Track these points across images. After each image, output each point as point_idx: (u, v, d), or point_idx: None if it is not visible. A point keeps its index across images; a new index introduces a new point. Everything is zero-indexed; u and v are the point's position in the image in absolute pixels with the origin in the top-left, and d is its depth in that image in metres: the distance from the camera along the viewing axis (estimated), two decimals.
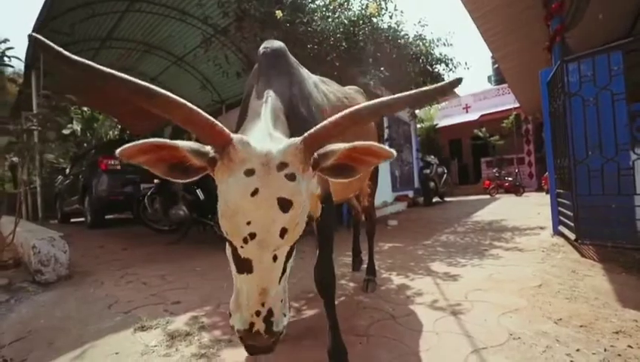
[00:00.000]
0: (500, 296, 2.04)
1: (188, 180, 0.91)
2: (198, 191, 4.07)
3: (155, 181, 4.69)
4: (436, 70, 6.29)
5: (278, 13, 3.82)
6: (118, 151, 0.79)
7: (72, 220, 8.70)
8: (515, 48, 6.16)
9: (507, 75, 7.78)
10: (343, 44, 4.40)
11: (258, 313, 0.81)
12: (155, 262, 3.37)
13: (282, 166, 0.81)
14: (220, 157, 0.82)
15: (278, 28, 4.17)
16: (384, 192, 7.76)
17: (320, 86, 1.71)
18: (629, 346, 1.42)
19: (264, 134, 0.96)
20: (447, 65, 6.12)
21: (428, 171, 9.17)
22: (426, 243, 3.88)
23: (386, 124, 7.90)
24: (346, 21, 4.18)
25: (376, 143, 0.88)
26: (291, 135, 1.15)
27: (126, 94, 0.75)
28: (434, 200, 9.34)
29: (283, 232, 0.80)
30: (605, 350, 1.39)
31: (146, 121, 11.24)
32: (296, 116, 1.26)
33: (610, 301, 1.93)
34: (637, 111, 2.99)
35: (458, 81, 0.87)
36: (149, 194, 4.84)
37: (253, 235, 0.79)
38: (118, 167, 6.46)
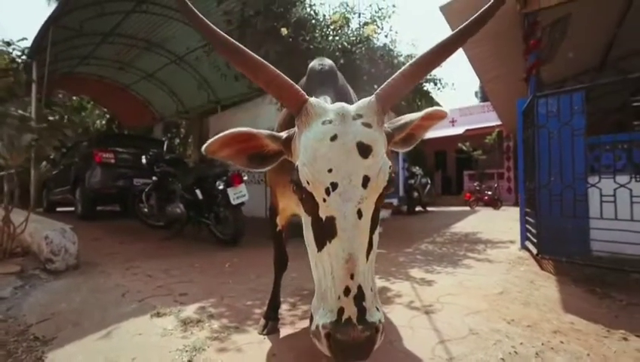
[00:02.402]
0: (467, 300, 2.38)
1: (264, 169, 1.00)
2: (198, 192, 4.29)
3: (154, 178, 4.88)
4: (425, 88, 6.71)
5: (283, 31, 4.10)
6: (204, 148, 0.91)
7: (58, 209, 8.71)
8: (500, 73, 6.63)
9: (491, 96, 8.28)
10: (341, 61, 4.72)
11: (347, 291, 0.73)
12: (155, 257, 3.59)
13: (358, 116, 0.84)
14: (297, 117, 0.88)
15: (281, 41, 4.46)
16: None
17: None
18: (561, 342, 1.77)
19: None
20: (435, 84, 6.53)
21: (412, 181, 9.61)
22: (407, 250, 4.23)
23: None
24: (345, 43, 4.49)
25: (436, 108, 1.01)
26: None
27: (224, 54, 0.90)
28: (417, 209, 9.78)
29: (365, 181, 0.78)
30: (542, 344, 1.74)
31: (138, 116, 11.35)
32: None
33: (556, 307, 2.29)
34: (594, 143, 3.43)
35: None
36: (146, 190, 5.02)
37: (335, 185, 0.77)
38: (113, 161, 6.60)
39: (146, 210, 5.18)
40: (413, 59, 0.91)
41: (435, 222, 7.50)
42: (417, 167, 10.54)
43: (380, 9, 5.39)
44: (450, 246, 4.51)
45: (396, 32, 5.73)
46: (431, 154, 16.35)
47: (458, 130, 14.68)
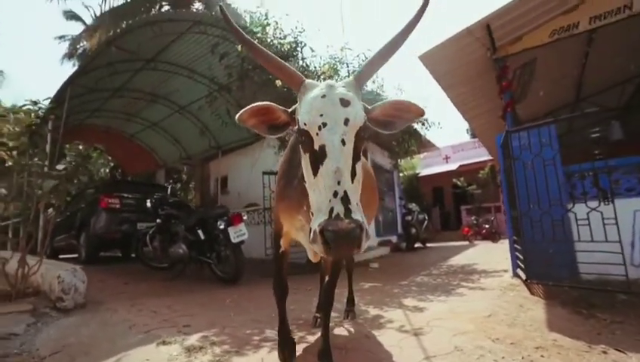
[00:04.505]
0: (455, 323, 2.50)
1: (278, 135, 1.35)
2: (200, 232, 4.48)
3: (158, 221, 5.09)
4: (413, 127, 7.15)
5: (278, 82, 4.55)
6: (237, 116, 1.25)
7: (61, 256, 8.78)
8: (481, 112, 7.08)
9: (477, 132, 8.73)
10: None
11: (335, 194, 0.97)
12: (159, 296, 3.70)
13: (340, 86, 1.19)
14: (298, 92, 1.24)
15: (276, 91, 4.92)
16: None
17: None
18: (542, 356, 1.89)
19: None
20: (422, 124, 6.98)
21: (410, 218, 9.76)
22: (402, 283, 4.33)
23: None
24: None
25: (408, 100, 1.29)
26: None
27: (252, 53, 1.32)
28: (416, 245, 9.84)
29: (346, 121, 1.10)
30: (523, 358, 1.86)
31: (142, 163, 11.80)
32: None
33: (541, 327, 2.41)
34: (571, 171, 3.70)
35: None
36: (150, 233, 5.21)
37: (325, 124, 1.09)
38: (118, 206, 6.84)
39: (150, 252, 5.33)
40: (376, 51, 1.28)
41: (433, 257, 7.57)
42: (414, 204, 10.75)
43: (366, 58, 5.95)
44: (445, 278, 4.61)
45: (382, 78, 6.27)
46: (429, 191, 16.64)
47: (452, 166, 15.11)
